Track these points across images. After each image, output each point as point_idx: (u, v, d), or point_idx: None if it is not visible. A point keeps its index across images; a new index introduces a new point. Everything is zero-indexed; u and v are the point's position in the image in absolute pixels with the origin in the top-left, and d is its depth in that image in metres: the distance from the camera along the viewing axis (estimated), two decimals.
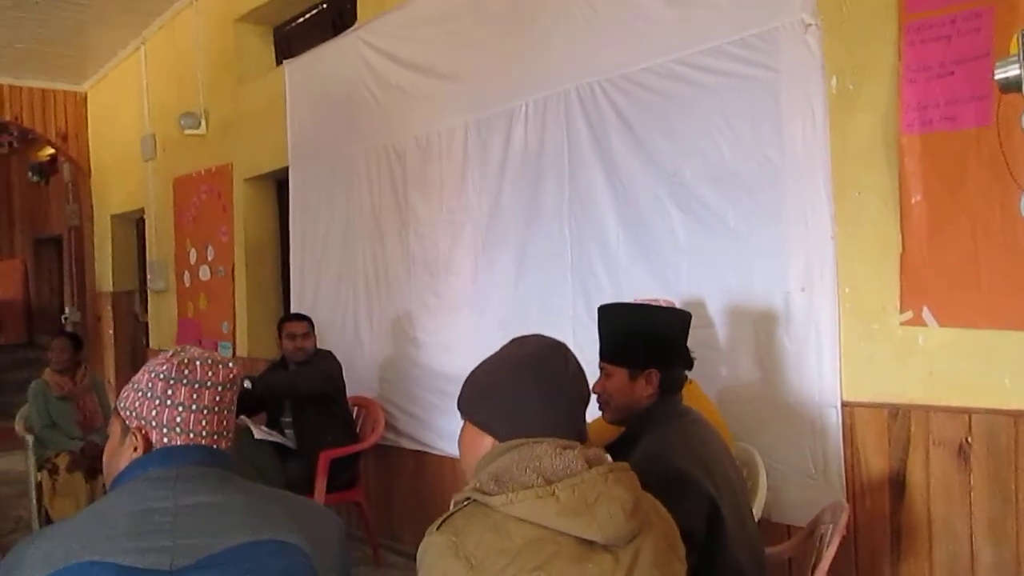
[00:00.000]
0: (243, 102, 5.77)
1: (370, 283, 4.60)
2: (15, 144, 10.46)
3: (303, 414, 4.25)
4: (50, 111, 8.30)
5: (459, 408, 1.53)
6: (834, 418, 2.64)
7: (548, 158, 3.53)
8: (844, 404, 2.63)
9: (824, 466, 2.67)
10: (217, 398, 1.39)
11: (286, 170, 5.24)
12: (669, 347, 2.06)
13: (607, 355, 2.09)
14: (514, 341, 1.53)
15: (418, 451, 4.39)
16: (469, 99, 3.90)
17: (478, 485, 1.31)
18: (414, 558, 1.32)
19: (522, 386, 1.43)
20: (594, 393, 1.98)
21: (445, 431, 4.14)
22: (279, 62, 5.60)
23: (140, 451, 1.37)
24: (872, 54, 2.51)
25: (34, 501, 4.87)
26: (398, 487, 4.61)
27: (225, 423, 1.41)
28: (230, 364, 1.43)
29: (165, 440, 1.36)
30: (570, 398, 1.45)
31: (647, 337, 2.04)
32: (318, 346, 4.42)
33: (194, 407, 1.38)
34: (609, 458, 1.37)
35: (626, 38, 3.20)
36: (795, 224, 2.71)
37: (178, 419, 1.37)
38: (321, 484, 4.08)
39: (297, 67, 5.13)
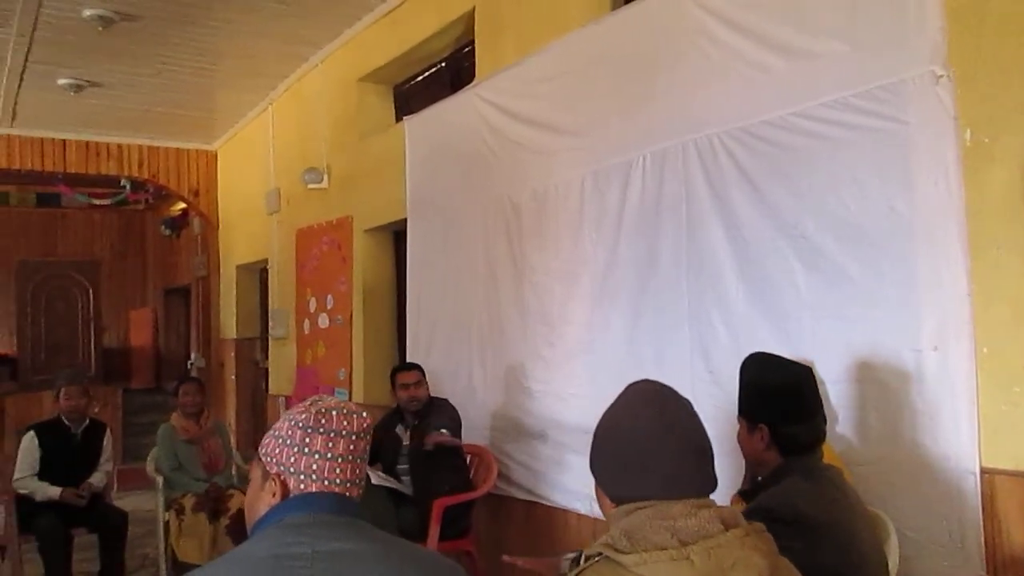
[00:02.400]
0: (363, 157, 6.00)
1: (484, 332, 4.67)
2: (150, 200, 11.13)
3: (420, 462, 4.31)
4: (183, 169, 8.85)
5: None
6: (972, 485, 2.50)
7: (665, 210, 3.52)
8: (983, 471, 2.48)
9: (961, 536, 2.53)
10: (351, 447, 1.43)
11: (404, 222, 5.41)
12: (779, 403, 2.00)
13: (738, 406, 2.07)
14: (623, 392, 1.51)
15: (529, 501, 4.38)
16: (586, 152, 3.96)
17: (610, 541, 1.29)
18: None
19: (622, 449, 1.41)
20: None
21: (557, 482, 4.13)
22: (398, 119, 5.81)
23: (278, 497, 1.42)
24: (1009, 106, 2.42)
25: (161, 540, 5.07)
26: (508, 537, 4.60)
27: (358, 472, 1.45)
28: (363, 414, 1.47)
29: (302, 487, 1.41)
30: (676, 450, 1.38)
31: (758, 390, 2.01)
32: (432, 394, 4.50)
33: (329, 455, 1.42)
34: (742, 518, 1.35)
35: (744, 90, 3.19)
36: (927, 280, 2.61)
37: (314, 467, 1.41)
38: (434, 532, 4.11)
39: (416, 123, 5.32)
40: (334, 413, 1.45)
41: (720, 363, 3.28)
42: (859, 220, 2.80)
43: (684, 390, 3.11)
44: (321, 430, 1.43)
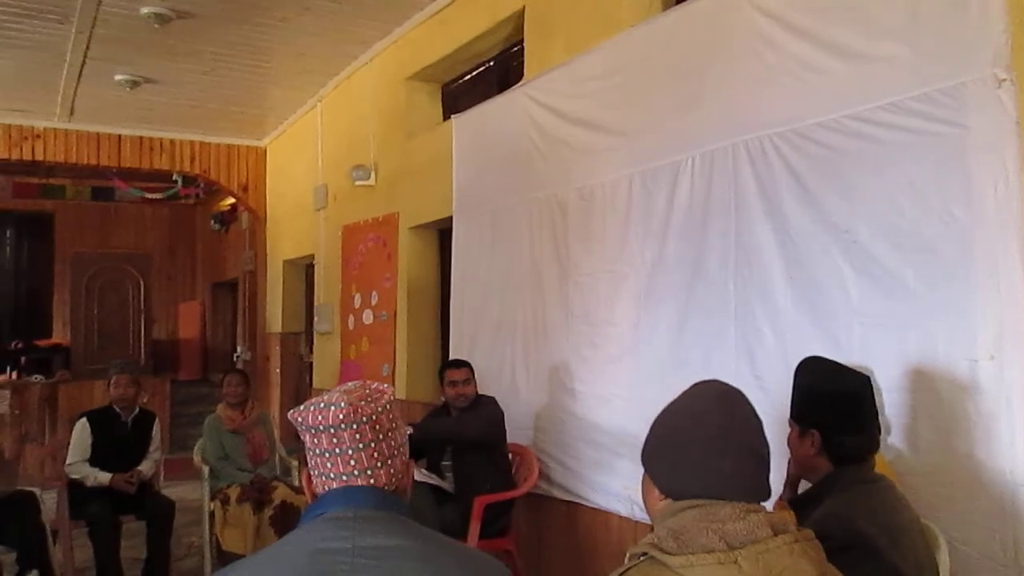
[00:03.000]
0: (411, 155, 6.04)
1: (528, 332, 4.67)
2: (201, 195, 11.34)
3: (463, 459, 4.33)
4: (233, 165, 8.99)
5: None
6: None
7: (714, 212, 3.49)
8: None
9: (1015, 552, 2.46)
10: (334, 440, 1.39)
11: (450, 220, 5.43)
12: (832, 410, 1.97)
13: (791, 409, 2.04)
14: (691, 388, 1.50)
15: (571, 502, 4.37)
16: (634, 152, 3.94)
17: (656, 540, 1.28)
18: None
19: (682, 442, 1.41)
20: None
21: (599, 484, 4.12)
22: (446, 117, 5.84)
23: (309, 496, 1.44)
24: None
25: (207, 530, 5.16)
26: (548, 538, 4.60)
27: (353, 463, 1.39)
28: (341, 404, 1.39)
29: (319, 488, 1.42)
30: (736, 452, 1.38)
31: (811, 395, 1.99)
32: (478, 391, 4.52)
33: (317, 451, 1.41)
34: (794, 525, 1.33)
35: (797, 92, 3.15)
36: (984, 287, 2.55)
37: (318, 463, 1.42)
38: (475, 529, 4.12)
39: (464, 121, 5.33)
40: (312, 408, 1.42)
41: (766, 367, 3.24)
42: (914, 225, 2.75)
43: None
44: (305, 427, 1.42)
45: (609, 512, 4.08)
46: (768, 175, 3.24)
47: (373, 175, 6.50)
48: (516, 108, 4.78)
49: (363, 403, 1.41)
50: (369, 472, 1.39)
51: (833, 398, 2.00)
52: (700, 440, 1.39)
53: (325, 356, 7.48)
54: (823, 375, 2.10)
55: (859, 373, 2.21)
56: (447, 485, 4.38)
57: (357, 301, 6.76)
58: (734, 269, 3.41)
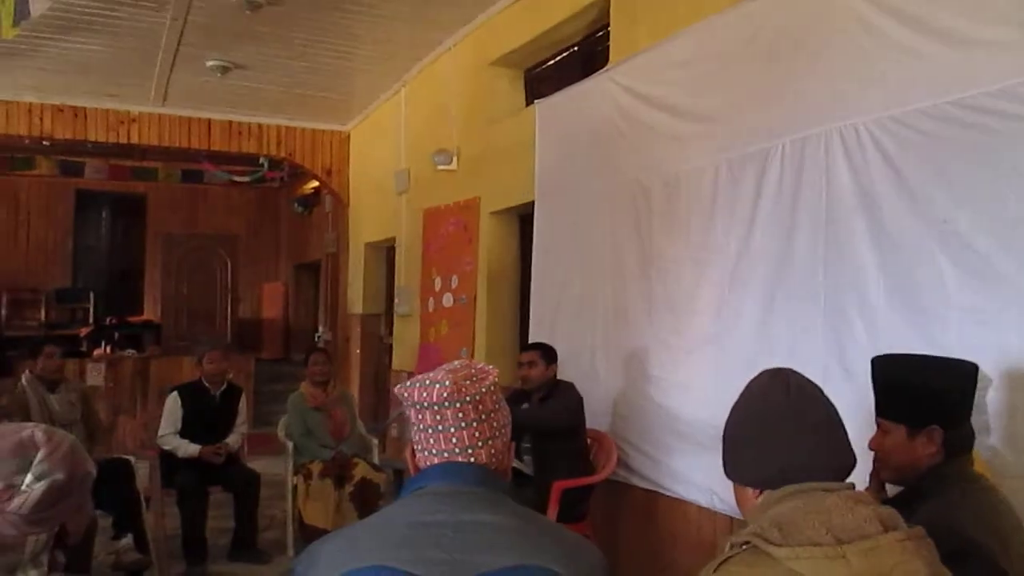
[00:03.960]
0: (493, 140, 6.07)
1: (608, 317, 4.66)
2: (285, 179, 11.59)
3: (542, 444, 4.36)
4: (318, 149, 9.16)
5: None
6: None
7: (804, 201, 3.41)
8: None
9: None
10: (437, 417, 1.41)
11: (531, 205, 5.44)
12: (954, 403, 1.91)
13: (884, 410, 1.98)
14: (743, 389, 1.52)
15: (649, 490, 4.36)
16: (721, 139, 3.88)
17: (759, 530, 1.25)
18: None
19: (754, 431, 1.42)
20: (870, 450, 1.88)
21: (679, 472, 4.09)
22: (529, 103, 5.84)
23: (412, 471, 1.47)
24: None
25: (290, 503, 5.31)
26: (626, 526, 4.59)
27: (455, 441, 1.40)
28: (446, 383, 1.40)
29: (421, 463, 1.44)
30: (804, 419, 1.39)
31: (928, 391, 1.92)
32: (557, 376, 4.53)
33: (420, 427, 1.44)
34: (902, 521, 1.30)
35: (896, 78, 3.05)
36: None
37: (421, 439, 1.44)
38: (552, 513, 4.14)
39: (547, 107, 5.32)
40: (417, 386, 1.44)
41: (856, 361, 3.16)
42: (1018, 216, 2.64)
43: None
44: (410, 403, 1.44)
45: (688, 502, 4.04)
46: (863, 163, 3.15)
47: (455, 160, 6.54)
48: (601, 93, 4.75)
49: (467, 383, 1.42)
50: (470, 451, 1.41)
51: (950, 390, 1.94)
52: (768, 420, 1.40)
53: (405, 338, 7.59)
54: (921, 369, 2.03)
55: (964, 362, 2.14)
56: (526, 468, 4.42)
57: (437, 284, 6.83)
58: (824, 259, 3.33)
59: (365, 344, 8.86)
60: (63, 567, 1.46)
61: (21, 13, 4.64)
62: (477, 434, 1.42)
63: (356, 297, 9.08)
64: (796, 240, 3.45)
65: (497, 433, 1.45)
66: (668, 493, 4.20)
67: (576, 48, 5.58)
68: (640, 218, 4.42)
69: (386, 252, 8.66)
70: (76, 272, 12.46)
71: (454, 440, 1.41)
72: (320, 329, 10.36)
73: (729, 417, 1.50)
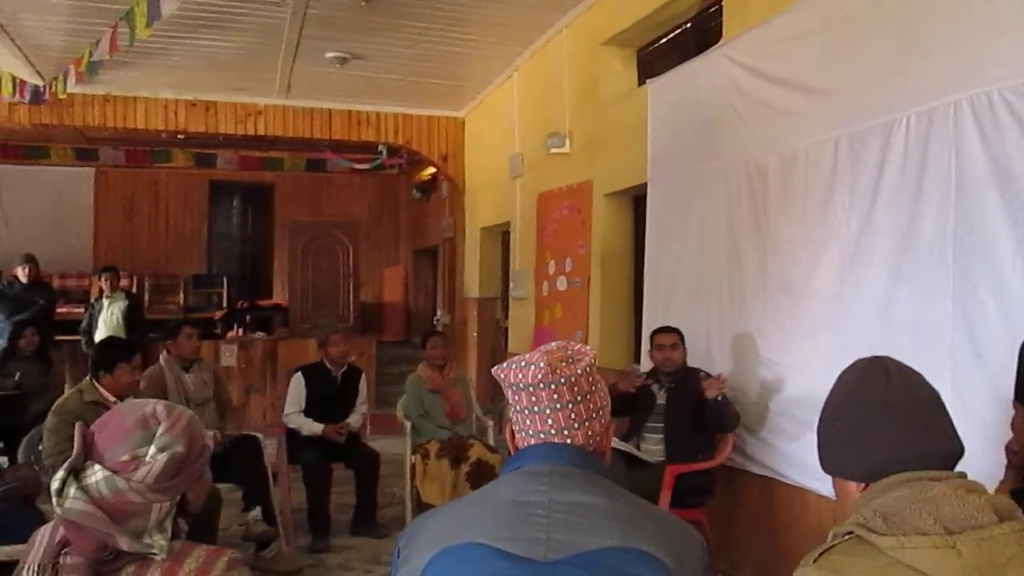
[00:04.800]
0: (605, 121, 6.01)
1: (723, 300, 4.56)
2: (404, 166, 11.85)
3: (674, 425, 4.35)
4: (434, 136, 9.32)
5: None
6: None
7: (930, 176, 3.24)
8: None
9: None
10: (533, 398, 1.41)
11: (644, 186, 5.37)
12: None
13: (1018, 395, 1.87)
14: (841, 373, 1.46)
15: (766, 477, 4.26)
16: (840, 113, 3.72)
17: (863, 520, 1.20)
18: None
19: (852, 422, 1.35)
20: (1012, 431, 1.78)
21: (796, 459, 3.97)
22: (641, 82, 5.75)
23: (512, 451, 1.48)
24: None
25: (408, 481, 5.45)
26: (742, 512, 4.50)
27: (551, 422, 1.40)
28: (541, 364, 1.40)
29: (519, 443, 1.45)
30: (904, 406, 1.32)
31: None
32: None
33: (517, 408, 1.44)
34: (1020, 511, 1.22)
35: None
36: None
37: (518, 419, 1.45)
38: (665, 497, 4.11)
39: (660, 86, 5.24)
40: (513, 366, 1.44)
41: (988, 343, 2.99)
42: None
43: (943, 371, 2.91)
44: (507, 384, 1.44)
45: (807, 490, 3.93)
46: (996, 133, 2.96)
47: (567, 142, 6.52)
48: (714, 70, 4.63)
49: (563, 364, 1.42)
50: (566, 432, 1.41)
51: None
52: (866, 409, 1.34)
53: (520, 321, 7.65)
54: None
55: None
56: (639, 452, 4.40)
57: (551, 267, 6.85)
58: (953, 238, 3.15)
59: (482, 327, 8.97)
60: (186, 534, 1.55)
61: (154, 14, 4.92)
62: (573, 415, 1.41)
63: (472, 281, 9.21)
64: (922, 217, 3.28)
65: (594, 415, 1.44)
66: (785, 480, 4.10)
67: (689, 25, 5.46)
68: (756, 197, 4.30)
69: (501, 236, 8.73)
70: (211, 259, 13.17)
71: (550, 421, 1.41)
72: (439, 312, 10.57)
73: (824, 409, 1.44)
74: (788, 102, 4.06)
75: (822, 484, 3.79)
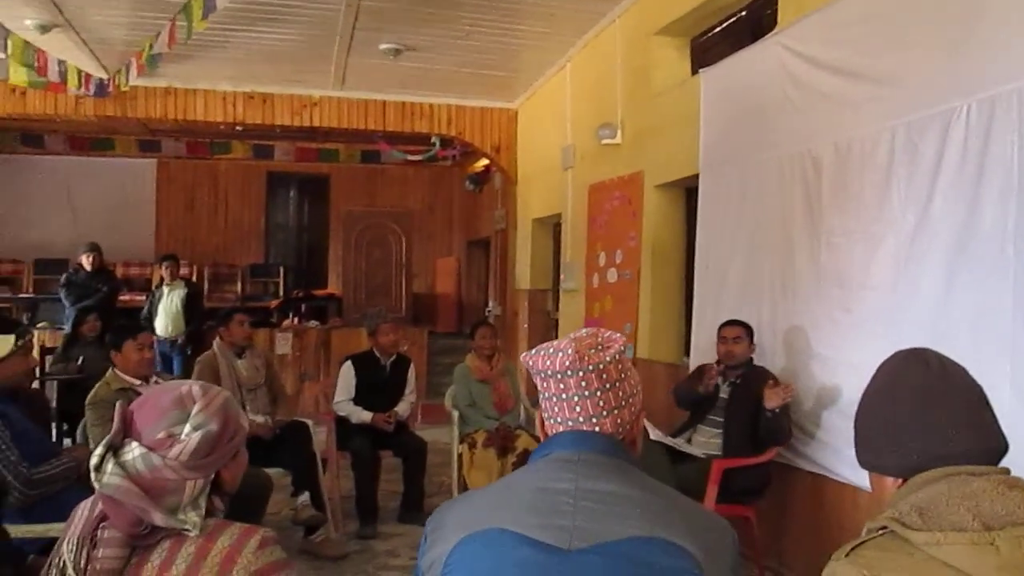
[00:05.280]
0: (657, 112, 5.95)
1: (776, 293, 4.48)
2: (457, 157, 11.89)
3: (735, 422, 4.31)
4: (486, 127, 9.32)
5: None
6: None
7: (991, 166, 3.13)
8: None
9: None
10: (561, 385, 1.40)
11: (696, 177, 5.30)
12: None
13: None
14: (874, 373, 1.43)
15: (816, 474, 4.17)
16: (898, 102, 3.61)
17: (898, 515, 1.17)
18: None
19: (889, 415, 1.32)
20: None
21: (848, 456, 3.85)
22: (694, 72, 5.67)
23: (543, 438, 1.46)
24: None
25: (455, 470, 5.48)
26: (792, 509, 4.42)
27: (579, 409, 1.39)
28: (569, 351, 1.39)
29: (549, 430, 1.44)
30: (944, 399, 1.28)
31: None
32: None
33: (546, 395, 1.43)
34: None
35: None
36: None
37: (547, 406, 1.44)
38: (711, 492, 4.06)
39: (713, 75, 5.15)
40: (541, 354, 1.43)
41: None
42: None
43: (1002, 366, 2.80)
44: (535, 371, 1.43)
45: (858, 488, 3.84)
46: None
47: (619, 133, 6.47)
48: (768, 59, 4.55)
49: (591, 351, 1.41)
50: (594, 420, 1.40)
51: None
52: (904, 401, 1.30)
53: (571, 313, 7.62)
54: None
55: None
56: (694, 447, 4.37)
57: (602, 259, 6.81)
58: (1015, 229, 3.05)
59: (533, 319, 8.97)
60: (223, 513, 1.58)
61: (209, 6, 5.00)
62: (602, 403, 1.40)
63: (524, 273, 9.20)
64: (982, 209, 3.18)
65: (624, 403, 1.42)
66: (837, 478, 4.01)
67: (743, 13, 5.37)
68: (809, 188, 4.21)
69: (553, 228, 8.71)
70: (268, 248, 13.40)
71: (578, 409, 1.40)
72: (490, 304, 10.59)
73: (862, 402, 1.41)
74: (844, 91, 3.97)
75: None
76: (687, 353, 5.56)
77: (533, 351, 1.46)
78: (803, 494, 4.33)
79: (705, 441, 4.45)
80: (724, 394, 4.45)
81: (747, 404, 4.27)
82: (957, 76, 3.30)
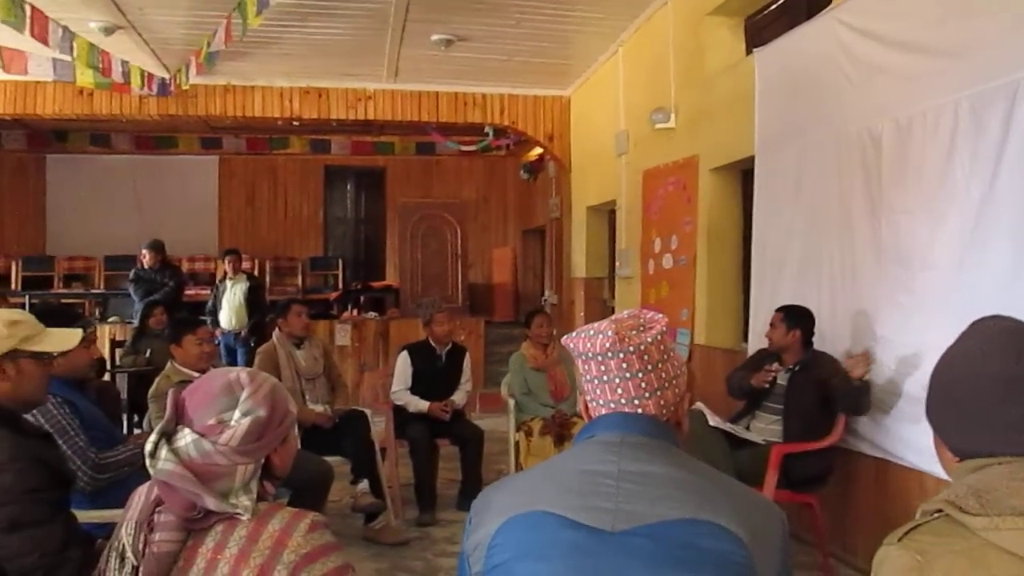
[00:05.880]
0: (711, 94, 5.85)
1: (835, 275, 4.38)
2: (511, 147, 11.87)
3: (794, 408, 4.24)
4: (540, 116, 9.29)
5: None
6: None
7: None
8: None
9: None
10: (602, 367, 1.38)
11: (751, 159, 5.21)
12: None
13: None
14: (970, 327, 1.29)
15: (880, 459, 4.08)
16: (962, 74, 3.49)
17: (953, 498, 1.11)
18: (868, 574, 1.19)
19: (963, 392, 1.21)
20: None
21: (911, 441, 3.79)
22: (748, 52, 5.57)
23: (587, 420, 1.45)
24: None
25: (512, 458, 5.50)
26: (856, 495, 4.33)
27: (620, 392, 1.38)
28: (609, 333, 1.37)
29: (592, 413, 1.43)
30: None
31: None
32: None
33: (588, 377, 1.42)
34: None
35: None
36: None
37: (589, 389, 1.42)
38: (771, 478, 3.99)
39: (768, 54, 5.05)
40: (583, 336, 1.41)
41: None
42: None
43: None
44: (576, 353, 1.42)
45: (924, 472, 3.74)
46: None
47: (673, 117, 6.39)
48: (825, 35, 4.43)
49: (632, 332, 1.39)
50: (636, 402, 1.38)
51: None
52: (982, 387, 1.19)
53: (627, 300, 7.57)
54: None
55: None
56: (753, 433, 4.31)
57: (657, 245, 6.74)
58: None
59: (589, 307, 8.93)
60: (273, 497, 1.60)
61: (263, 3, 5.08)
62: (644, 384, 1.38)
63: (579, 261, 9.16)
64: None
65: (667, 384, 1.40)
66: (901, 462, 3.92)
67: None
68: (869, 167, 4.11)
69: (607, 215, 8.65)
70: (327, 241, 13.59)
71: (619, 391, 1.39)
72: (546, 293, 10.58)
73: (942, 361, 1.30)
74: (903, 65, 3.85)
75: (941, 468, 3.60)
76: (745, 338, 5.48)
77: (574, 333, 1.45)
78: (867, 480, 4.23)
79: (764, 428, 4.38)
80: (783, 381, 4.37)
81: (808, 391, 4.19)
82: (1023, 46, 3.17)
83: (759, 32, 5.72)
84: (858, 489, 4.31)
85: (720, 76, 5.80)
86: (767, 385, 4.34)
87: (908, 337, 3.82)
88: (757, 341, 4.93)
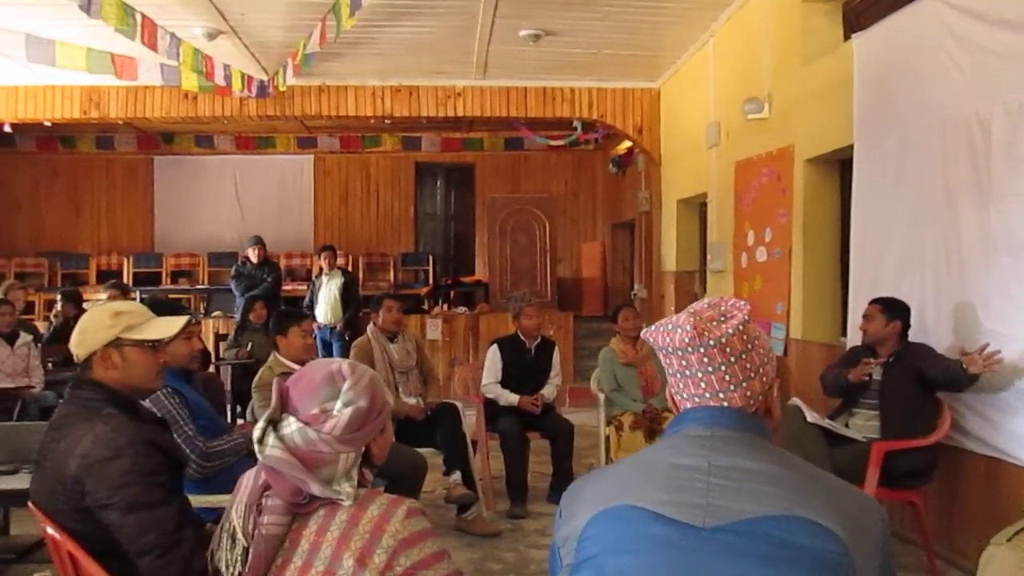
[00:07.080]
0: (807, 82, 5.70)
1: (940, 267, 4.22)
2: (599, 140, 11.82)
3: (890, 403, 4.13)
4: (628, 109, 9.21)
5: None
6: None
7: None
8: None
9: None
10: (683, 362, 1.36)
11: (849, 149, 5.05)
12: None
13: None
14: None
15: (990, 457, 3.92)
16: None
17: None
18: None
19: None
20: None
21: None
22: (846, 37, 5.40)
23: (676, 412, 1.44)
24: None
25: (603, 452, 5.50)
26: (963, 494, 4.17)
27: (704, 385, 1.35)
28: (687, 327, 1.34)
29: (679, 406, 1.42)
30: None
31: None
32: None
33: (670, 371, 1.40)
34: None
35: None
36: None
37: (673, 382, 1.41)
38: (872, 476, 3.88)
39: (866, 40, 4.89)
40: (661, 330, 1.39)
41: None
42: None
43: None
44: (657, 347, 1.40)
45: None
46: None
47: (766, 107, 6.24)
48: (927, 18, 4.27)
49: (712, 324, 1.36)
50: (721, 395, 1.36)
51: None
52: None
53: (718, 294, 7.41)
54: None
55: None
56: (852, 430, 4.20)
57: (750, 238, 6.61)
58: None
59: (679, 301, 8.80)
60: (372, 484, 1.65)
61: (356, 4, 5.19)
62: (727, 377, 1.35)
63: (669, 254, 9.05)
64: None
65: (752, 374, 1.37)
66: (1012, 460, 3.77)
67: None
68: (977, 153, 3.94)
69: (698, 208, 8.52)
70: (418, 237, 13.81)
71: (703, 384, 1.36)
72: (636, 287, 10.49)
73: None
74: (1014, 46, 3.67)
75: None
76: (844, 332, 5.32)
77: (653, 327, 1.43)
78: (976, 478, 4.07)
79: (863, 424, 4.26)
80: (878, 375, 4.24)
81: (904, 384, 4.06)
82: None
83: (857, 17, 5.53)
84: (967, 488, 4.14)
85: (816, 63, 5.64)
86: (866, 379, 4.21)
87: (1020, 330, 3.66)
88: (856, 335, 4.78)
